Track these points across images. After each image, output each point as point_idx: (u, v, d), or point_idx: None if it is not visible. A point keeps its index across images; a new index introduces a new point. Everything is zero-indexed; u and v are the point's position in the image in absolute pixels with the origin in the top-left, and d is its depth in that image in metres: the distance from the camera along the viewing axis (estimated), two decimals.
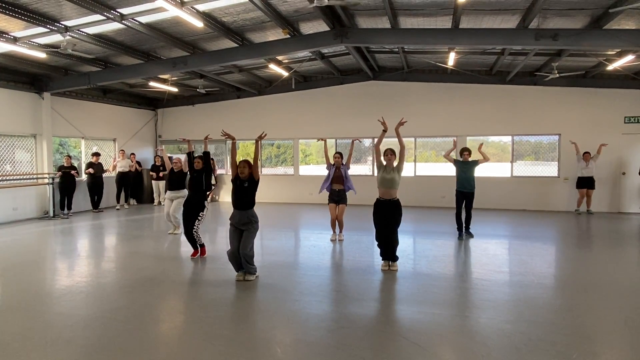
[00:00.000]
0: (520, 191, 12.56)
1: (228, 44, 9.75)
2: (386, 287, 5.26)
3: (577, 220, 10.49)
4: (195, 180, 6.82)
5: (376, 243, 6.14)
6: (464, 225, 8.26)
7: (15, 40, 8.56)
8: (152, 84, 12.45)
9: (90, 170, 12.16)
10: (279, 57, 11.56)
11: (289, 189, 14.60)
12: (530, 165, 12.85)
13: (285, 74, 12.08)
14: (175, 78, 12.98)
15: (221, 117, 15.25)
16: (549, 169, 12.61)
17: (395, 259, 6.00)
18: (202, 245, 6.90)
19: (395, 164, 6.01)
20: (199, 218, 6.84)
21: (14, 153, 11.23)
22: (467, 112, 12.92)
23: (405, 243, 7.65)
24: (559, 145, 12.39)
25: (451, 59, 10.43)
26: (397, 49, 10.74)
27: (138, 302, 4.67)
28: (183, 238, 8.10)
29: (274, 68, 11.39)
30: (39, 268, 6.22)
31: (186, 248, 7.16)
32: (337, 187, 7.85)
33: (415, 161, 13.60)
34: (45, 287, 5.29)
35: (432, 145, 14.09)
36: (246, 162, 5.54)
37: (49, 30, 8.14)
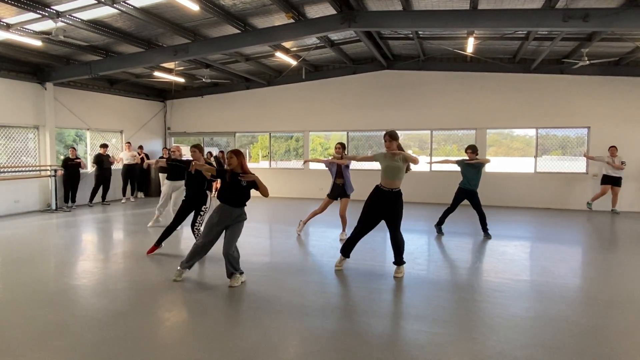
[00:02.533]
0: (544, 188, 11.70)
1: (230, 30, 9.23)
2: (383, 297, 4.66)
3: (608, 221, 9.61)
4: (194, 180, 6.34)
5: (350, 233, 5.57)
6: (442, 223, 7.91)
7: (8, 27, 8.24)
8: (157, 74, 12.07)
9: (115, 157, 12.15)
10: (286, 45, 11.00)
11: (298, 183, 14.06)
12: (555, 161, 11.94)
13: (293, 62, 11.50)
14: (182, 68, 12.56)
15: (230, 108, 14.82)
16: (576, 165, 11.68)
17: (401, 262, 5.40)
18: None
19: (398, 154, 5.32)
20: (201, 213, 6.41)
21: (27, 144, 11.06)
22: (488, 103, 12.09)
23: (413, 244, 7.02)
24: (587, 139, 11.44)
25: (470, 45, 9.64)
26: (411, 35, 10.01)
27: (97, 312, 4.21)
28: (183, 235, 7.70)
29: (280, 56, 10.82)
30: (16, 268, 5.86)
31: (185, 246, 6.70)
32: (339, 181, 7.28)
33: (431, 156, 12.84)
34: (11, 291, 4.90)
35: (455, 139, 13.16)
36: (234, 152, 4.86)
37: (40, 15, 7.77)
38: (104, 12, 7.97)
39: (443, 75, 12.39)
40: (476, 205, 7.65)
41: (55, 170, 11.04)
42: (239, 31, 9.13)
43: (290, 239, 7.71)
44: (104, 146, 12.17)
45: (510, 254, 6.53)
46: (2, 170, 10.45)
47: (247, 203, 4.96)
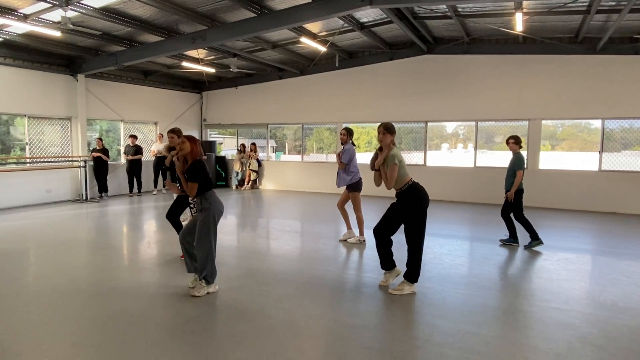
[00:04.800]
0: (610, 189, 9.99)
1: (246, 14, 8.64)
2: (376, 326, 3.79)
3: None
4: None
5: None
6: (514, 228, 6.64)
7: (25, 17, 8.23)
8: (185, 64, 11.83)
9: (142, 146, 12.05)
10: (313, 30, 10.24)
11: (331, 178, 13.24)
12: (631, 157, 10.07)
13: (322, 49, 10.68)
14: (212, 57, 12.23)
15: (263, 99, 14.35)
16: None
17: (410, 276, 4.49)
18: None
19: (390, 157, 4.45)
20: (190, 205, 5.97)
21: (59, 135, 11.31)
22: (543, 90, 10.53)
23: (431, 254, 6.04)
24: None
25: (519, 22, 8.27)
26: (449, 12, 8.82)
27: (33, 321, 3.78)
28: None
29: (307, 42, 10.05)
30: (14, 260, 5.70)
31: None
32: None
33: (475, 149, 11.52)
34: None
35: (521, 131, 11.16)
36: (186, 137, 4.47)
37: (50, 5, 7.65)
38: None
39: (491, 58, 10.99)
40: (512, 211, 6.55)
41: (85, 161, 11.18)
42: (254, 14, 8.52)
43: (292, 241, 7.02)
44: (133, 137, 12.18)
45: (549, 270, 5.36)
46: (34, 161, 10.72)
47: (205, 190, 4.36)
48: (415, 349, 3.29)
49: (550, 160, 11.33)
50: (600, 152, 10.17)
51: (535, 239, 6.42)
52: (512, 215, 6.54)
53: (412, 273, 4.48)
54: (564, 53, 10.16)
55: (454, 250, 6.34)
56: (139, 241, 7.08)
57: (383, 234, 4.56)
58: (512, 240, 6.61)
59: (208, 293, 4.37)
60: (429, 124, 12.09)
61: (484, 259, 5.86)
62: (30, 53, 10.36)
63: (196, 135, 15.37)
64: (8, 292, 4.48)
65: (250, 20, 8.65)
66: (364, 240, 6.66)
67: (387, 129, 4.44)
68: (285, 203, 11.49)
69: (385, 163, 4.43)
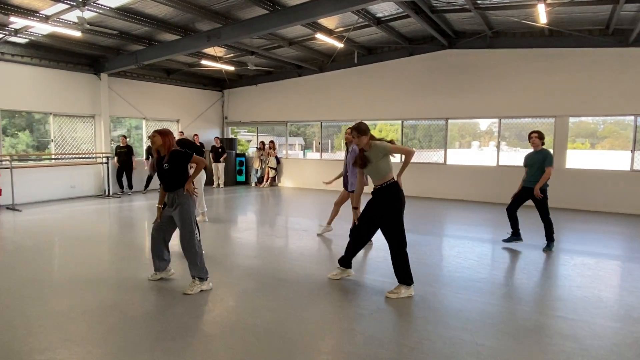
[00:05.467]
0: None
1: (259, 11, 8.61)
2: (365, 331, 3.66)
3: None
4: None
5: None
6: (517, 225, 6.45)
7: (47, 18, 8.49)
8: (204, 62, 11.94)
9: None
10: (329, 26, 10.11)
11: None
12: None
13: (338, 44, 10.51)
14: (231, 55, 12.31)
15: (283, 97, 14.35)
16: None
17: (403, 279, 4.34)
18: None
19: (375, 153, 4.28)
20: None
21: (83, 132, 11.68)
22: (572, 85, 10.00)
23: (438, 256, 5.82)
24: None
25: (542, 13, 7.86)
26: (467, 5, 8.49)
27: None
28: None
29: (322, 38, 9.92)
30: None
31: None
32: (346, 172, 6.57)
33: (498, 147, 11.09)
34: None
35: (542, 127, 10.72)
36: (157, 132, 4.40)
37: (69, 6, 7.86)
38: None
39: (516, 53, 10.53)
40: (539, 210, 6.30)
41: (108, 158, 11.49)
42: (267, 11, 8.48)
43: (297, 240, 6.93)
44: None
45: (562, 276, 5.05)
46: (59, 157, 11.10)
47: (182, 185, 4.36)
48: (401, 357, 3.14)
49: (585, 159, 10.76)
50: (633, 150, 9.57)
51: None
52: (518, 211, 6.36)
53: (404, 276, 4.32)
54: (594, 46, 9.62)
55: (463, 252, 6.09)
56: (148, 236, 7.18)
57: (360, 237, 4.56)
58: (514, 237, 6.38)
59: (202, 291, 4.36)
60: (450, 120, 11.74)
61: (494, 262, 5.61)
62: (56, 53, 10.73)
63: (218, 133, 15.54)
64: (12, 286, 4.62)
65: (263, 17, 8.62)
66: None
67: (358, 131, 4.27)
68: (300, 201, 11.44)
69: (373, 163, 4.26)
